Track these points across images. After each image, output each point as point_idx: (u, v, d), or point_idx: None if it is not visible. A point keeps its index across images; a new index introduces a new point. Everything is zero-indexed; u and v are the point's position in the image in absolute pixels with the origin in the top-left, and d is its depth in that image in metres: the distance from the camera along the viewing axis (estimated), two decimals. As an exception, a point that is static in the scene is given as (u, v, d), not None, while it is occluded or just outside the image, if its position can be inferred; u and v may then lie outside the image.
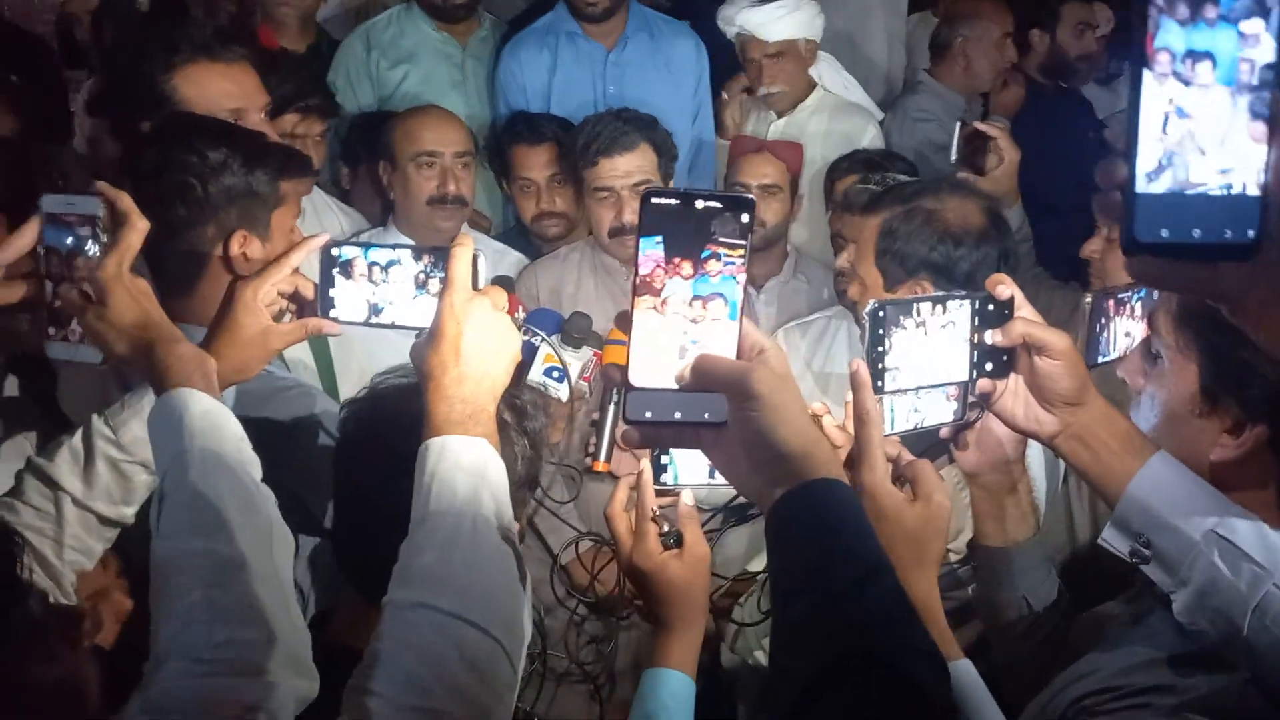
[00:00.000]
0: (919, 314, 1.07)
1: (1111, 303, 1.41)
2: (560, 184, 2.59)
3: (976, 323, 1.08)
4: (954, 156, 2.34)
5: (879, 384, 1.06)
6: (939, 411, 1.25)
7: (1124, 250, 0.58)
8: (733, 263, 0.79)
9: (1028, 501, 1.30)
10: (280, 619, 0.95)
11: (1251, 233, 0.57)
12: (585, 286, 2.42)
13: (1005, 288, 1.06)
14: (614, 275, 2.43)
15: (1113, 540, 1.00)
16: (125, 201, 1.16)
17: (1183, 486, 0.97)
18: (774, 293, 2.71)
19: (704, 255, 0.79)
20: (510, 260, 2.59)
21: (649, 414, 0.82)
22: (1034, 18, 3.44)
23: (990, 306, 1.08)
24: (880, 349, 1.06)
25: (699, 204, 0.79)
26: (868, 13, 3.69)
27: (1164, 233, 0.57)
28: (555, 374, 1.68)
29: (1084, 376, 1.03)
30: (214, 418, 1.05)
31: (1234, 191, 0.57)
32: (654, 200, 0.79)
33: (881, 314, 1.06)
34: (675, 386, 0.81)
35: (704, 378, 0.79)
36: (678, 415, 0.82)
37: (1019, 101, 3.32)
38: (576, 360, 1.73)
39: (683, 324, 0.80)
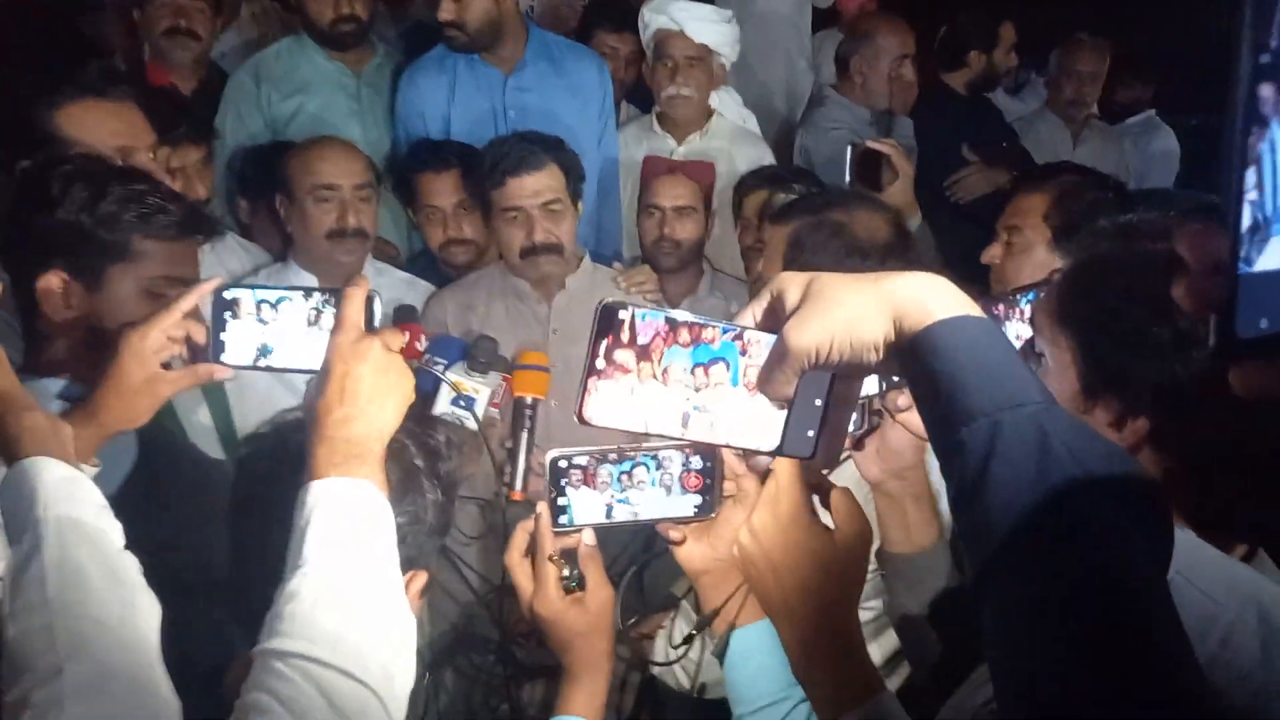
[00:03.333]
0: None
1: (1001, 306, 1.43)
2: (467, 210, 2.56)
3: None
4: (848, 177, 2.37)
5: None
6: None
7: (1221, 354, 0.48)
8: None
9: (931, 507, 1.31)
10: (146, 689, 0.91)
11: None
12: (495, 311, 2.39)
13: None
14: (524, 299, 2.40)
15: None
16: None
17: None
18: (691, 310, 2.71)
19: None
20: (419, 290, 2.55)
21: None
22: (966, 40, 3.55)
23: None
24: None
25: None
26: (773, 31, 3.77)
27: (1264, 323, 0.46)
28: (463, 403, 1.64)
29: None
30: (70, 486, 1.01)
31: None
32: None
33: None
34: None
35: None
36: None
37: (911, 99, 3.41)
38: (485, 387, 1.69)
39: (686, 393, 0.77)
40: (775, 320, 0.76)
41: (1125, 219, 1.15)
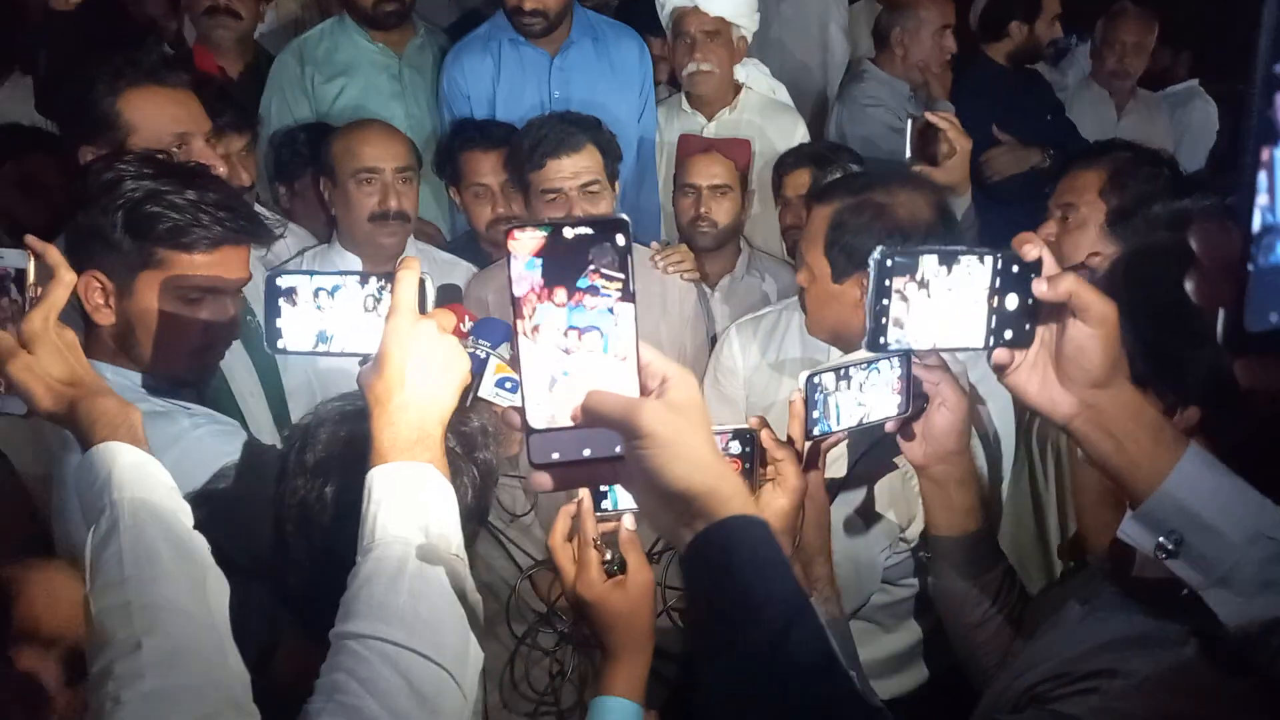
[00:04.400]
0: (928, 268, 0.93)
1: None
2: (514, 189, 2.57)
3: (997, 285, 0.93)
4: (908, 153, 2.31)
5: (881, 340, 0.92)
6: (883, 406, 1.26)
7: (1228, 348, 0.47)
8: (609, 295, 0.75)
9: (975, 493, 1.32)
10: (217, 663, 0.95)
11: None
12: (536, 293, 2.40)
13: (1033, 247, 0.92)
14: (564, 281, 2.41)
15: (1133, 534, 0.92)
16: (53, 254, 1.16)
17: (1221, 484, 0.90)
18: (728, 290, 2.72)
19: (580, 285, 0.75)
20: (460, 271, 2.57)
21: (555, 455, 0.77)
22: (1009, 10, 3.48)
23: (1015, 268, 0.93)
24: (884, 302, 0.91)
25: (568, 232, 0.75)
26: (816, 2, 3.72)
27: (1274, 317, 0.44)
28: (508, 385, 1.66)
29: (1118, 356, 0.92)
30: (143, 469, 1.05)
31: None
32: (519, 234, 0.75)
33: (888, 264, 0.91)
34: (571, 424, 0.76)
35: (593, 415, 0.75)
36: (586, 453, 0.77)
37: (948, 84, 3.37)
38: None
39: (555, 354, 0.76)
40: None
41: (1179, 205, 1.14)
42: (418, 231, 2.64)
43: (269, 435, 1.86)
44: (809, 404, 1.20)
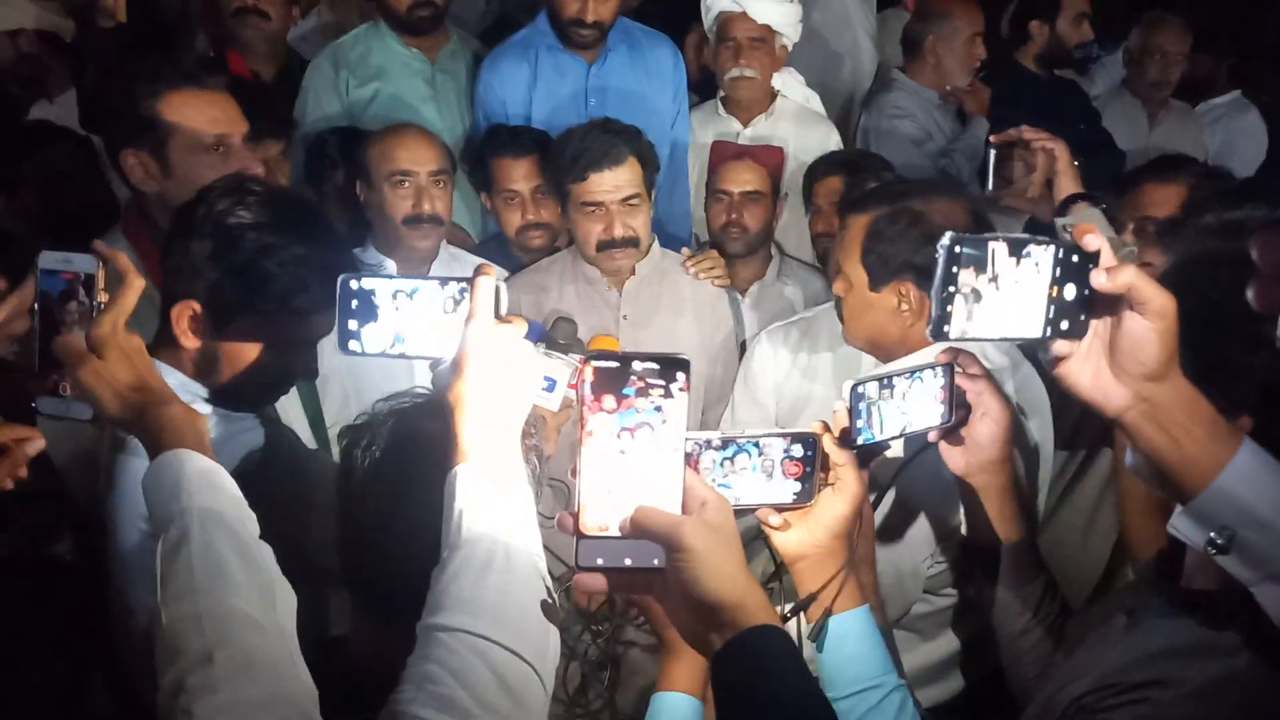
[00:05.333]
0: (997, 256, 0.90)
1: None
2: (544, 195, 2.58)
3: (1057, 274, 0.91)
4: (989, 186, 2.15)
5: (945, 330, 0.90)
6: (926, 415, 1.25)
7: None
8: (654, 396, 0.84)
9: (1017, 504, 1.31)
10: (288, 674, 0.96)
11: None
12: (567, 296, 2.42)
13: (1094, 238, 0.91)
14: (594, 285, 2.43)
15: (1184, 529, 0.90)
16: (122, 260, 1.17)
17: (1277, 481, 0.88)
18: (758, 296, 2.72)
19: (626, 393, 0.84)
20: (492, 274, 2.58)
21: (600, 560, 0.86)
22: (1031, 9, 3.47)
23: (1074, 258, 0.91)
24: (950, 289, 0.89)
25: (637, 366, 0.84)
26: (846, 9, 3.72)
27: None
28: (545, 384, 1.66)
29: (1174, 349, 0.90)
30: (210, 477, 1.06)
31: None
32: (595, 363, 0.84)
33: (957, 250, 0.89)
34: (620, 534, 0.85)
35: (640, 529, 0.84)
36: (628, 561, 0.86)
37: (986, 100, 3.35)
38: (565, 368, 1.71)
39: (612, 456, 0.85)
40: None
41: (1231, 215, 1.13)
42: (449, 236, 2.65)
43: (303, 433, 1.88)
44: (853, 413, 1.20)
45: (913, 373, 1.23)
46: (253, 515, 1.07)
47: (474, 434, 0.99)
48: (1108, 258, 0.91)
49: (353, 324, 1.16)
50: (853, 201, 1.84)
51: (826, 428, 1.20)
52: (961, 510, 1.39)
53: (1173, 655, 0.97)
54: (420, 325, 1.14)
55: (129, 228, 1.91)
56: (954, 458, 1.29)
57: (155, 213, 1.86)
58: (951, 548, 1.55)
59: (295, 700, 0.94)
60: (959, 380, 1.26)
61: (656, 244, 2.52)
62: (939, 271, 0.90)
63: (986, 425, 1.26)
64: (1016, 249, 0.91)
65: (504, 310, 1.07)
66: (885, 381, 1.22)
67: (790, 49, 3.15)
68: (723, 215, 2.67)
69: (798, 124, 3.15)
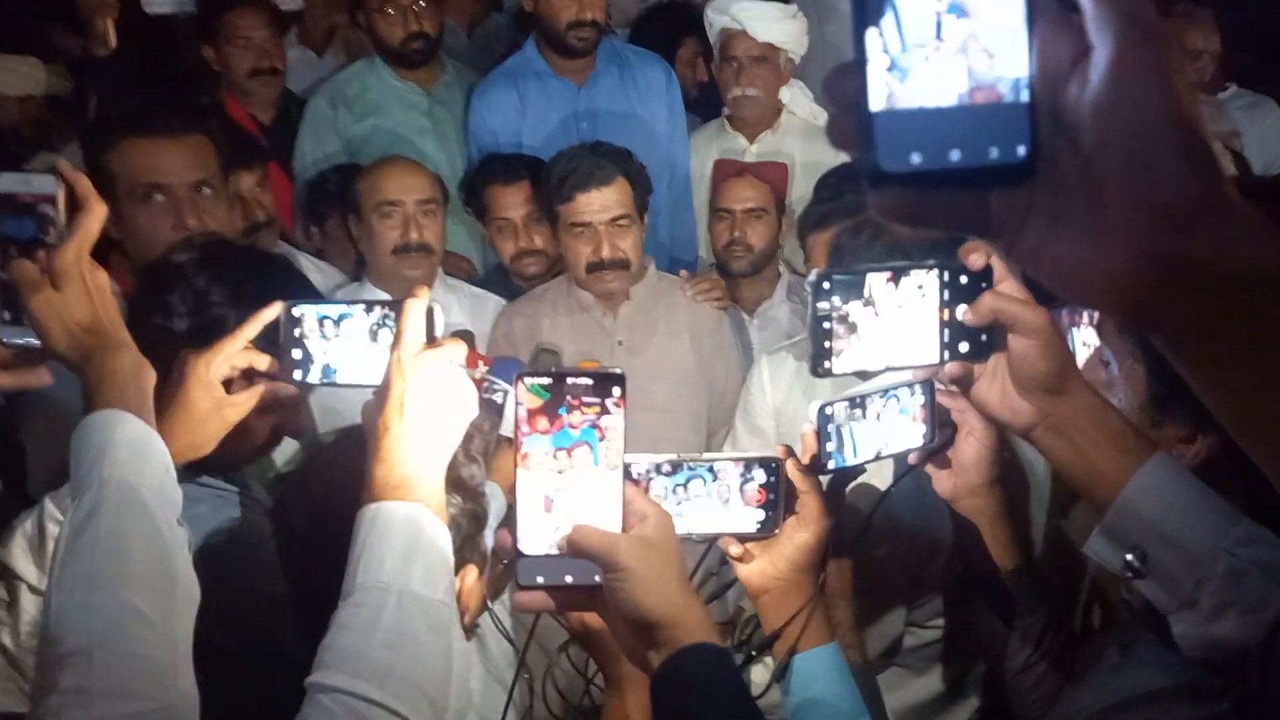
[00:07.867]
0: (873, 287, 0.90)
1: (1065, 313, 1.31)
2: (537, 221, 2.55)
3: (946, 297, 0.91)
4: None
5: (825, 365, 0.90)
6: (905, 436, 1.16)
7: (869, 184, 0.46)
8: (589, 415, 0.84)
9: (1010, 531, 1.21)
10: (170, 683, 0.89)
11: (1022, 150, 0.45)
12: (561, 324, 2.37)
13: (978, 256, 0.91)
14: (589, 311, 2.38)
15: (1100, 551, 0.86)
16: (84, 184, 1.07)
17: (1185, 493, 0.83)
18: (766, 316, 2.65)
19: (560, 412, 0.84)
20: (490, 305, 2.55)
21: (540, 579, 0.86)
22: None
23: (963, 279, 0.91)
24: (826, 326, 0.90)
25: (570, 381, 0.84)
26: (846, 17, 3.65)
27: (915, 158, 0.45)
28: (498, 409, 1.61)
29: (1066, 360, 0.89)
30: (140, 447, 0.98)
31: (1001, 100, 0.45)
32: (527, 380, 0.84)
33: (826, 286, 0.89)
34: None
35: (576, 548, 0.84)
36: (568, 579, 0.86)
37: None
38: (505, 392, 1.65)
39: (549, 476, 0.84)
40: None
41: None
42: (450, 266, 2.63)
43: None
44: (821, 436, 1.11)
45: (886, 391, 1.14)
46: (178, 495, 1.00)
47: (385, 470, 0.93)
48: (999, 273, 0.88)
49: (294, 353, 1.11)
50: (814, 221, 1.80)
51: (790, 452, 1.12)
52: (950, 539, 1.29)
53: (1160, 699, 0.88)
54: (348, 353, 1.09)
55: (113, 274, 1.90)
56: (941, 481, 1.20)
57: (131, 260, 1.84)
58: (944, 578, 1.44)
59: (174, 713, 0.88)
60: (941, 398, 1.16)
61: (653, 267, 2.46)
62: (809, 309, 0.91)
63: (971, 445, 1.17)
64: (896, 275, 0.92)
65: (439, 334, 1.01)
66: (856, 401, 1.13)
67: (797, 61, 3.09)
68: (726, 234, 2.61)
69: (805, 139, 3.08)
